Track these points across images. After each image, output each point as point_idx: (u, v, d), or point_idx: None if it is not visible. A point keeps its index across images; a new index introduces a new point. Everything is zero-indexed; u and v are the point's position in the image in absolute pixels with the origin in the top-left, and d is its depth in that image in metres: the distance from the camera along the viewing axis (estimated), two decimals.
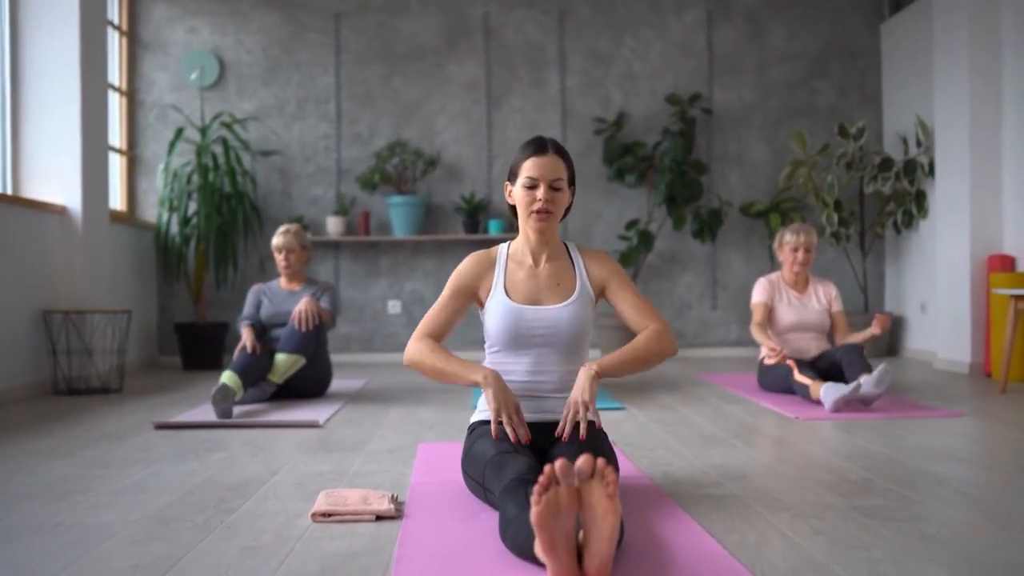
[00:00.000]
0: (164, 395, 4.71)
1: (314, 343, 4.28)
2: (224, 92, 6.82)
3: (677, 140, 6.60)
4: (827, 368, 4.38)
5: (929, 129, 6.31)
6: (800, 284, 4.61)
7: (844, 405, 3.83)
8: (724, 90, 7.05)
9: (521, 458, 2.07)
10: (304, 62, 6.87)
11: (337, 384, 5.05)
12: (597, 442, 2.24)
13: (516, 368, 2.33)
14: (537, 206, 2.30)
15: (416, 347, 2.35)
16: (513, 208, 2.40)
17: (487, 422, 2.34)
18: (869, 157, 6.68)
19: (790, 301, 4.56)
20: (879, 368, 3.83)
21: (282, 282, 4.62)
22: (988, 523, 2.07)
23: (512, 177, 2.37)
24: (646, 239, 6.63)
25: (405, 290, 6.91)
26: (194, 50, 6.79)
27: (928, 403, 4.13)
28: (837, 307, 4.59)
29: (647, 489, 2.44)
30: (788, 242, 4.55)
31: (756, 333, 4.47)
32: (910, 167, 6.40)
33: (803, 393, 4.12)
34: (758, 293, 4.59)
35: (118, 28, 6.59)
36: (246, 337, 4.28)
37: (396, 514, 2.16)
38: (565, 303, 2.33)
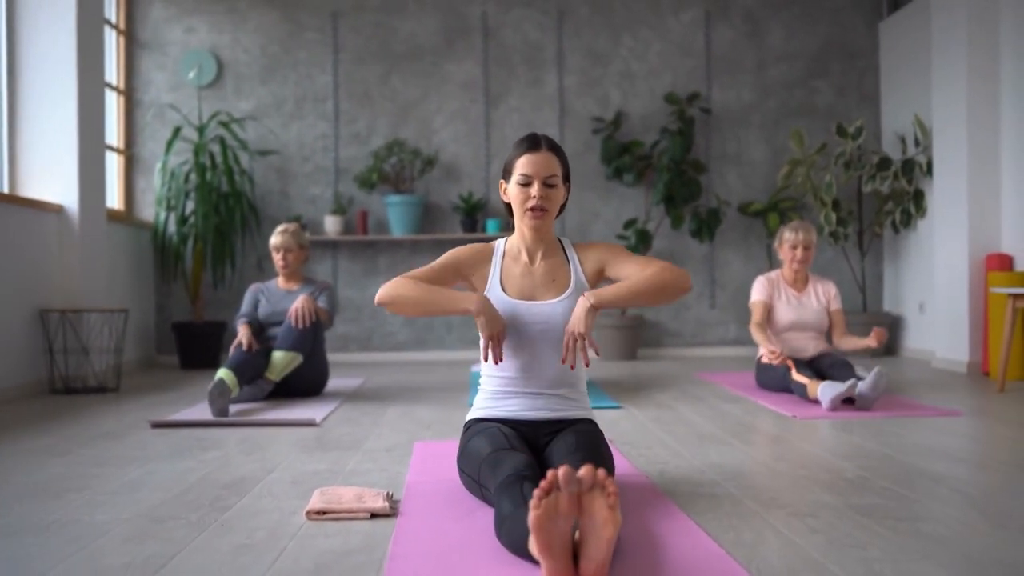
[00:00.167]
0: (161, 394, 4.70)
1: (311, 340, 4.27)
2: (222, 91, 6.81)
3: (675, 139, 6.59)
4: (825, 368, 4.38)
5: (927, 128, 6.30)
6: (799, 282, 4.60)
7: (841, 404, 3.83)
8: (723, 90, 7.04)
9: (517, 455, 2.06)
10: (302, 61, 6.87)
11: (334, 383, 5.05)
12: (594, 441, 2.23)
13: (513, 364, 2.32)
14: (531, 204, 2.30)
15: (396, 282, 2.29)
16: (508, 206, 2.39)
17: (483, 419, 2.34)
18: (867, 156, 6.68)
19: (788, 300, 4.56)
20: (874, 371, 3.83)
21: (280, 281, 4.61)
22: (985, 522, 2.07)
23: (507, 174, 2.36)
24: (644, 238, 6.62)
25: None
26: (192, 49, 6.78)
27: (926, 402, 4.12)
28: (836, 306, 4.59)
29: (643, 487, 2.43)
30: (787, 240, 4.55)
31: (756, 333, 4.47)
32: (908, 166, 6.40)
33: (801, 392, 4.11)
34: (757, 291, 4.58)
35: (115, 27, 6.58)
36: (242, 334, 4.27)
37: (391, 512, 2.15)
38: (560, 298, 2.32)
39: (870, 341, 4.19)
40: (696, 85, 7.01)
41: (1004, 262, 5.36)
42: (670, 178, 6.56)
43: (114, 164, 6.57)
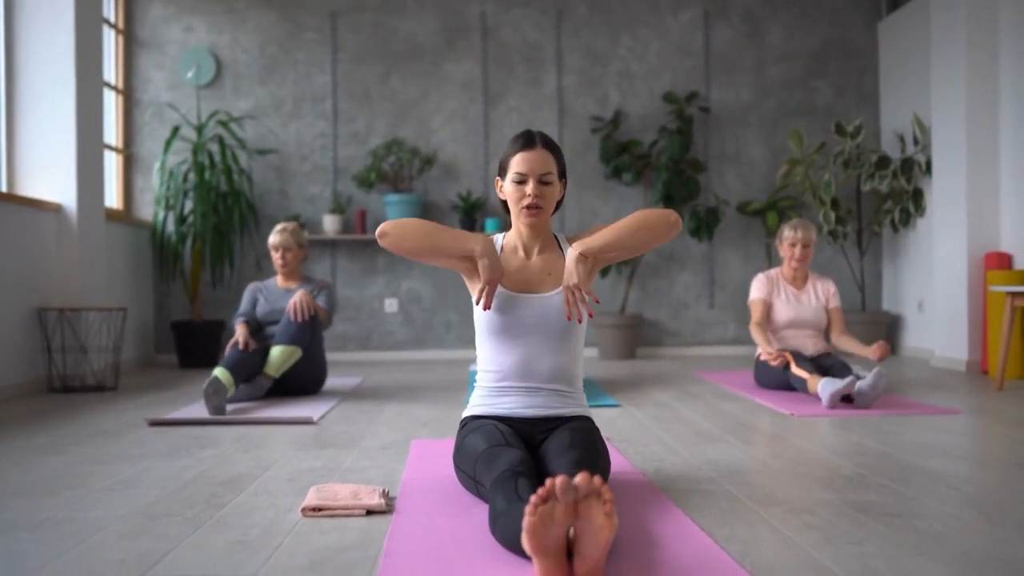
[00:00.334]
0: (159, 393, 4.70)
1: (309, 334, 4.25)
2: (220, 90, 6.81)
3: (674, 138, 6.59)
4: (824, 368, 4.37)
5: (926, 127, 6.30)
6: (798, 280, 4.60)
7: (840, 402, 3.82)
8: (721, 89, 7.04)
9: (512, 451, 2.06)
10: (301, 61, 6.87)
11: (333, 382, 5.04)
12: (590, 438, 2.23)
13: (508, 359, 2.31)
14: (527, 202, 2.29)
15: (398, 224, 2.26)
16: (504, 203, 2.39)
17: (479, 416, 2.34)
18: (866, 155, 6.68)
19: (788, 297, 4.56)
20: (874, 371, 3.82)
21: (278, 280, 4.61)
22: (982, 519, 2.06)
23: (502, 172, 2.36)
24: None
25: (402, 288, 6.90)
26: (190, 48, 6.78)
27: (924, 401, 4.12)
28: (834, 304, 4.58)
29: (639, 484, 2.43)
30: (787, 237, 4.56)
31: (755, 333, 4.47)
32: (907, 165, 6.39)
33: (800, 386, 4.11)
34: (756, 289, 4.58)
35: (114, 26, 6.58)
36: (239, 333, 4.26)
37: (386, 509, 2.15)
38: (556, 291, 2.32)
39: (871, 353, 4.16)
40: (695, 84, 7.01)
41: (1003, 260, 5.36)
42: (669, 177, 6.56)
43: (113, 163, 6.56)
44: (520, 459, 2.01)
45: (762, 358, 4.48)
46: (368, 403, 4.24)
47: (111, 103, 6.54)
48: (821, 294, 4.58)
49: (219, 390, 3.71)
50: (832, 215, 6.52)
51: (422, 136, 6.88)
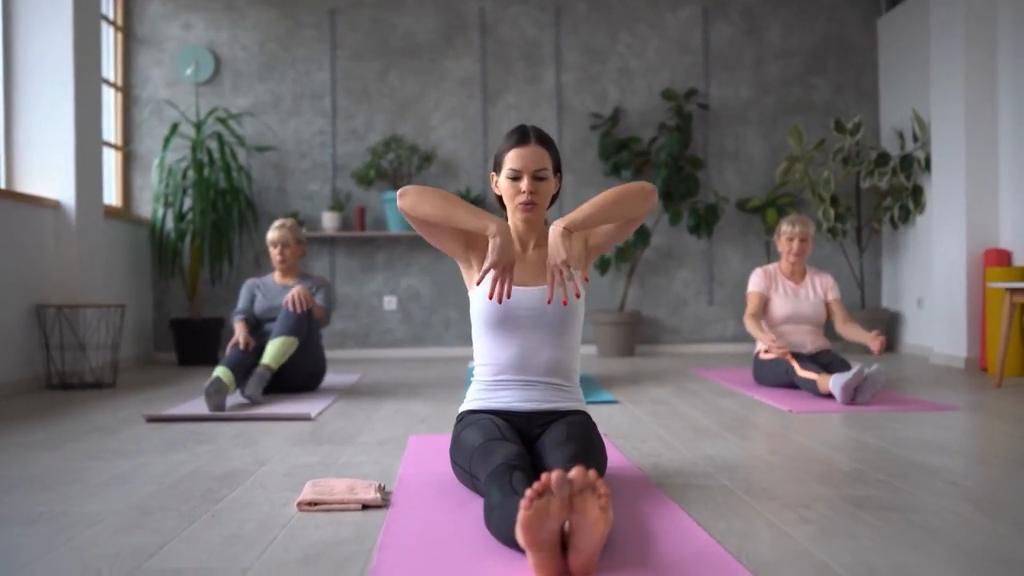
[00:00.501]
0: (157, 390, 4.70)
1: (307, 326, 4.23)
2: (219, 88, 6.80)
3: (673, 135, 6.59)
4: (824, 365, 4.37)
5: (925, 124, 6.30)
6: (796, 275, 4.60)
7: (855, 393, 3.81)
8: (721, 86, 7.04)
9: (508, 445, 2.06)
10: (300, 58, 6.86)
11: (331, 379, 5.04)
12: (586, 432, 2.23)
13: (505, 353, 2.31)
14: (521, 198, 2.29)
15: (420, 187, 2.25)
16: (500, 198, 2.39)
17: (476, 411, 2.33)
18: (865, 152, 6.67)
19: (786, 292, 4.55)
20: (873, 367, 3.82)
21: (276, 277, 4.60)
22: (977, 513, 2.06)
23: (497, 168, 2.36)
24: (642, 235, 6.62)
25: (401, 286, 6.90)
26: (189, 45, 6.78)
27: (922, 397, 4.12)
28: (833, 295, 4.57)
29: (635, 479, 2.43)
30: (785, 232, 4.56)
31: (750, 324, 4.46)
32: (906, 162, 6.39)
33: (811, 388, 4.07)
34: (754, 283, 4.58)
35: (113, 23, 6.58)
36: (239, 333, 4.26)
37: (382, 503, 2.15)
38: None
39: (871, 342, 4.15)
40: (694, 81, 7.00)
41: (1002, 257, 5.35)
42: (668, 174, 6.55)
43: (112, 160, 6.56)
44: (516, 453, 2.01)
45: (763, 350, 4.48)
46: (366, 400, 4.23)
47: (110, 100, 6.54)
48: (819, 288, 4.58)
49: (220, 389, 3.72)
50: (831, 212, 6.52)
51: (421, 133, 6.88)
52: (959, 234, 5.60)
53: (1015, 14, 5.37)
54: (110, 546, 1.84)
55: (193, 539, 1.89)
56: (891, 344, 6.90)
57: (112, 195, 6.56)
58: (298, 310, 4.22)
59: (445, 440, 2.91)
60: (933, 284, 5.99)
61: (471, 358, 6.37)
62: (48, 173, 5.01)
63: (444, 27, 6.93)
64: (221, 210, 6.35)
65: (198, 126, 6.39)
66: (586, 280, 2.22)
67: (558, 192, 2.39)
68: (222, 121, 6.44)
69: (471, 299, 2.37)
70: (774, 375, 4.40)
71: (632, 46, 7.00)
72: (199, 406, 3.89)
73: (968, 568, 1.66)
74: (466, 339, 6.79)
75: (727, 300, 7.02)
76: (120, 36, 6.68)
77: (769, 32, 7.06)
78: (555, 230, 2.17)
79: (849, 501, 2.17)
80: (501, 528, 1.73)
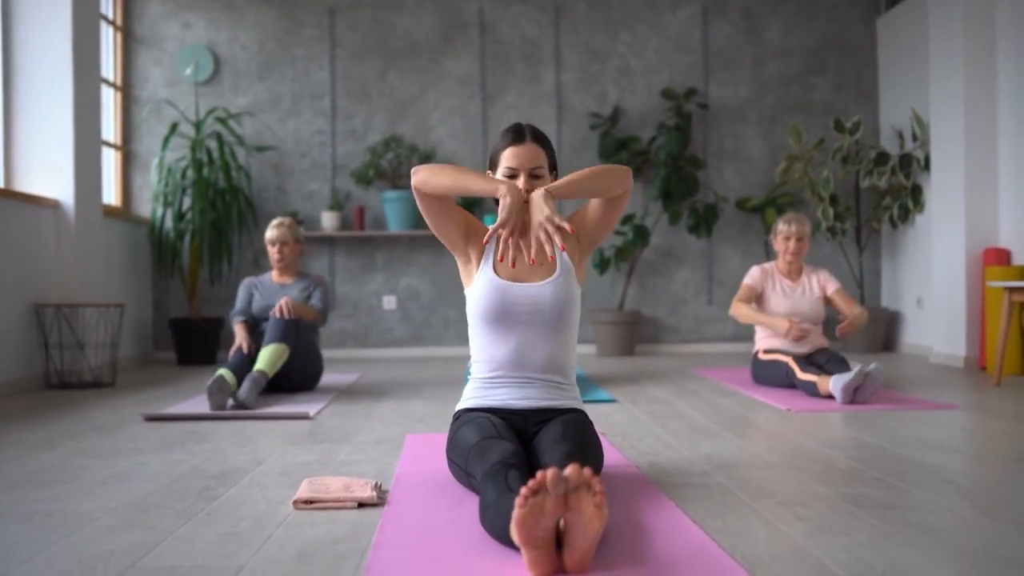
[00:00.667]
0: (156, 389, 4.70)
1: (295, 333, 4.20)
2: (219, 87, 6.81)
3: (673, 135, 6.59)
4: (822, 364, 4.37)
5: (925, 123, 6.29)
6: (793, 273, 4.60)
7: (855, 393, 3.80)
8: (720, 85, 7.03)
9: (504, 443, 2.06)
10: (299, 57, 6.87)
11: (329, 378, 5.04)
12: (582, 430, 2.23)
13: (501, 350, 2.31)
14: None
15: (428, 165, 2.26)
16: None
17: (473, 409, 2.33)
18: (865, 152, 6.67)
19: (783, 290, 4.55)
20: (871, 366, 3.82)
21: (274, 275, 4.60)
22: (974, 511, 2.06)
23: (492, 166, 2.36)
24: (642, 234, 6.62)
25: (400, 285, 6.90)
26: (189, 45, 6.78)
27: (921, 396, 4.11)
28: (833, 287, 4.55)
29: (632, 477, 2.43)
30: (781, 231, 4.56)
31: (738, 308, 4.46)
32: (906, 161, 6.39)
33: (810, 390, 4.05)
34: (749, 277, 4.58)
35: (112, 23, 6.58)
36: (241, 337, 4.26)
37: (378, 502, 2.15)
38: (547, 281, 2.32)
39: (848, 321, 4.26)
40: (693, 81, 7.00)
41: (1002, 256, 5.35)
42: (667, 174, 6.55)
43: (111, 160, 6.57)
44: (512, 451, 2.01)
45: (762, 350, 4.49)
46: (364, 399, 4.24)
47: (109, 100, 6.54)
48: (816, 286, 4.57)
49: (223, 388, 3.71)
50: (831, 211, 6.51)
51: (420, 133, 6.88)
52: (958, 233, 5.60)
53: (1014, 13, 5.37)
54: (105, 544, 1.84)
55: (188, 537, 1.89)
56: (891, 343, 6.90)
57: (111, 195, 6.56)
58: (285, 316, 4.20)
59: (443, 439, 2.91)
60: (932, 283, 5.98)
61: (470, 357, 6.36)
62: (47, 173, 5.01)
63: (443, 27, 6.93)
64: (220, 210, 6.36)
65: (197, 126, 6.39)
66: (572, 232, 2.15)
67: None
68: (221, 121, 6.45)
69: (467, 296, 2.37)
70: (773, 376, 4.40)
71: (632, 46, 7.00)
72: (197, 405, 3.89)
73: (965, 566, 1.66)
74: (465, 338, 6.78)
75: (727, 300, 7.02)
76: (119, 36, 6.68)
77: (768, 32, 7.06)
78: (536, 194, 2.16)
79: (846, 499, 2.17)
80: (496, 526, 1.73)
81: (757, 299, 4.57)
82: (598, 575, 1.60)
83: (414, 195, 2.29)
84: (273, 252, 4.51)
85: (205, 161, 6.34)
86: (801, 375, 4.14)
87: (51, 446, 2.99)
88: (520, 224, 2.14)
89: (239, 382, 3.95)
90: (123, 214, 6.37)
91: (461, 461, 2.17)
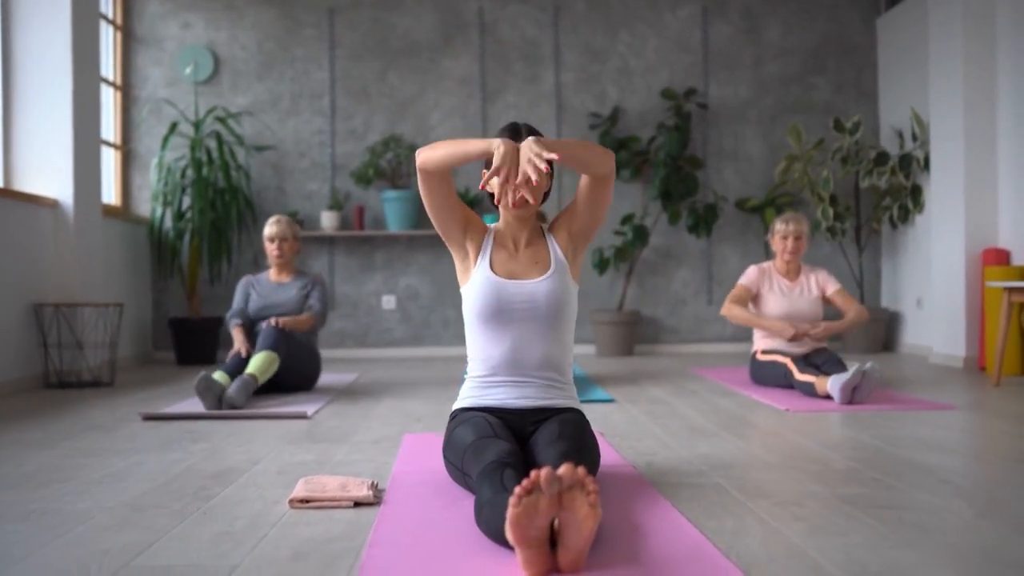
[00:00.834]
0: (155, 389, 4.70)
1: (284, 341, 4.16)
2: (218, 87, 6.81)
3: (672, 135, 6.58)
4: (820, 365, 4.36)
5: (924, 123, 6.29)
6: (791, 273, 4.60)
7: (853, 392, 3.80)
8: (720, 85, 7.03)
9: (500, 443, 2.06)
10: (298, 57, 6.86)
11: (328, 378, 5.04)
12: (579, 430, 2.22)
13: (498, 349, 2.31)
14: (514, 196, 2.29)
15: (428, 145, 2.29)
16: (491, 195, 2.39)
17: (469, 409, 2.33)
18: (865, 152, 6.66)
19: (781, 290, 4.55)
20: (868, 365, 3.81)
21: (272, 274, 4.58)
22: (970, 511, 2.05)
23: (489, 165, 2.35)
24: (641, 234, 6.61)
25: (400, 285, 6.89)
26: (188, 45, 6.78)
27: (920, 396, 4.11)
28: (833, 287, 4.54)
29: (628, 477, 2.42)
30: (779, 231, 4.55)
31: (732, 310, 4.46)
32: (905, 161, 6.38)
33: (809, 391, 4.04)
34: (745, 277, 4.58)
35: (112, 22, 6.58)
36: (239, 342, 4.25)
37: (375, 501, 2.15)
38: (542, 278, 2.32)
39: (823, 327, 4.35)
40: (693, 81, 7.00)
41: (1001, 256, 5.35)
42: (667, 174, 6.55)
43: (111, 159, 6.57)
44: (508, 451, 2.01)
45: (760, 350, 4.48)
46: (363, 399, 4.23)
47: (109, 99, 6.54)
48: (815, 286, 4.57)
49: (211, 386, 3.68)
50: (830, 211, 6.51)
51: (420, 132, 6.88)
52: (958, 233, 5.59)
53: (1014, 13, 5.36)
54: (100, 543, 1.84)
55: (183, 536, 1.89)
56: (890, 344, 6.89)
57: (111, 194, 6.56)
58: (274, 325, 4.18)
59: (440, 439, 2.90)
60: (932, 284, 5.98)
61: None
62: (46, 172, 5.01)
63: (443, 26, 6.93)
64: (220, 209, 6.35)
65: (197, 125, 6.39)
66: (558, 158, 2.17)
67: (550, 189, 2.39)
68: (221, 120, 6.45)
69: (463, 294, 2.37)
70: (771, 376, 4.39)
71: (631, 45, 7.00)
72: (196, 405, 3.89)
73: (961, 567, 1.66)
74: (464, 338, 6.78)
75: (726, 299, 7.00)
76: (119, 35, 6.68)
77: (768, 31, 7.06)
78: (526, 140, 2.17)
79: (842, 499, 2.16)
80: (491, 525, 1.72)
81: (753, 300, 4.57)
82: (592, 574, 1.60)
83: (418, 178, 2.30)
84: (272, 249, 4.49)
85: (204, 161, 6.34)
86: (799, 375, 4.14)
87: (49, 445, 2.99)
88: (515, 170, 2.17)
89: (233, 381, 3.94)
90: (122, 214, 6.37)
91: (457, 460, 2.17)
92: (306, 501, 2.12)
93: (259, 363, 4.01)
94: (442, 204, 2.32)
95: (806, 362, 4.39)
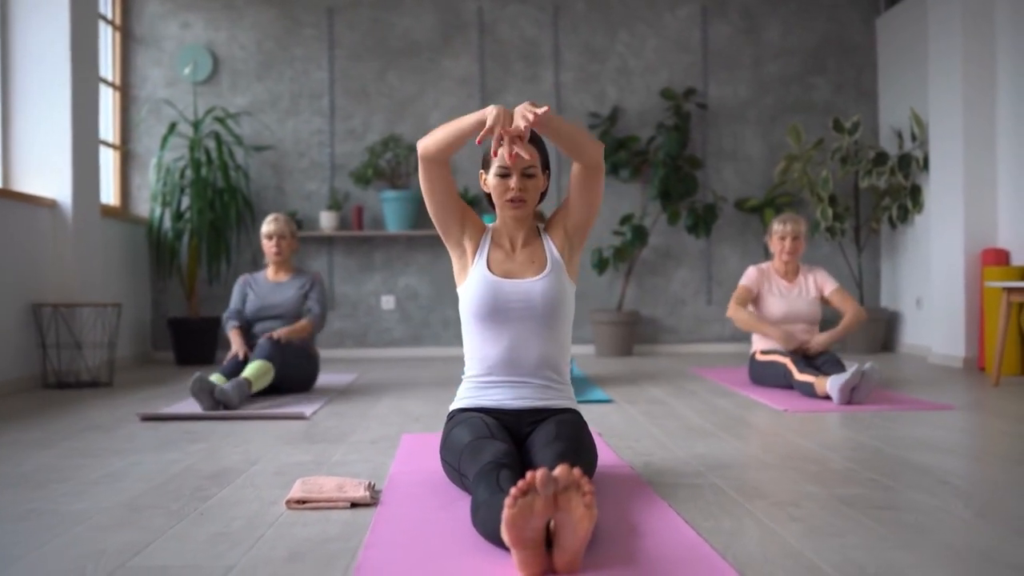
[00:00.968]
0: (154, 389, 4.70)
1: (279, 352, 4.14)
2: (217, 87, 6.81)
3: (671, 135, 6.58)
4: (818, 365, 4.36)
5: (924, 123, 6.29)
6: (790, 274, 4.60)
7: (852, 393, 3.79)
8: (719, 85, 7.03)
9: (497, 443, 2.06)
10: (298, 57, 6.86)
11: (327, 378, 5.04)
12: (575, 431, 2.22)
13: (494, 349, 2.31)
14: (510, 195, 2.29)
15: (428, 134, 2.31)
16: (488, 195, 2.39)
17: (466, 409, 2.33)
18: (864, 152, 6.66)
19: (780, 291, 4.54)
20: (867, 365, 3.81)
21: (269, 272, 4.56)
22: (967, 512, 2.05)
23: (485, 165, 2.36)
24: (640, 234, 6.61)
25: (399, 285, 6.89)
26: (187, 45, 6.78)
27: (919, 396, 4.11)
28: (830, 287, 4.54)
29: (625, 477, 2.42)
30: (776, 231, 4.56)
31: (737, 313, 4.46)
32: (905, 161, 6.38)
33: (808, 391, 4.04)
34: (746, 278, 4.58)
35: (111, 22, 6.58)
36: (237, 345, 4.24)
37: (371, 502, 2.15)
38: (539, 277, 2.32)
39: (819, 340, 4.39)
40: (692, 81, 6.99)
41: (1000, 257, 5.34)
42: (666, 173, 6.55)
43: (110, 160, 6.56)
44: (504, 451, 2.01)
45: (759, 351, 4.48)
46: (361, 399, 4.23)
47: (108, 99, 6.54)
48: (813, 287, 4.57)
49: (204, 387, 3.66)
50: (830, 212, 6.51)
51: (419, 132, 6.87)
52: (957, 233, 5.59)
53: (1013, 13, 5.36)
54: (97, 543, 1.83)
55: (180, 537, 1.88)
56: (890, 344, 6.89)
57: (110, 194, 6.56)
58: (272, 337, 4.17)
59: (438, 439, 2.89)
60: (931, 284, 5.98)
61: None
62: (45, 172, 5.01)
63: (442, 26, 6.92)
64: (219, 209, 6.35)
65: (196, 125, 6.39)
66: (547, 108, 2.19)
67: (546, 189, 2.39)
68: (220, 120, 6.45)
69: (460, 294, 2.37)
70: (770, 376, 4.39)
71: (631, 45, 7.00)
72: (194, 405, 3.88)
73: (958, 568, 1.66)
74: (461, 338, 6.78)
75: (725, 300, 7.00)
76: (118, 35, 6.68)
77: (768, 31, 7.06)
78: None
79: (839, 500, 2.16)
80: (487, 526, 1.72)
81: (753, 300, 4.57)
82: (588, 575, 1.60)
83: (420, 169, 2.31)
84: (270, 246, 4.47)
85: (204, 161, 6.33)
86: (798, 376, 4.14)
87: (48, 446, 2.99)
88: (510, 120, 2.18)
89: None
90: (121, 214, 6.37)
91: (454, 461, 2.17)
92: (303, 502, 2.12)
93: (254, 370, 3.98)
94: (443, 199, 2.32)
95: (805, 362, 4.39)
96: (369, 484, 2.24)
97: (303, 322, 4.37)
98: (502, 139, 2.19)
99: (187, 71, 6.71)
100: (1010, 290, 4.53)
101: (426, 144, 2.27)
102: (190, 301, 6.46)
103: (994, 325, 5.04)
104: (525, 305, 2.28)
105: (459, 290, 2.38)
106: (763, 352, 4.49)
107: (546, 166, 2.36)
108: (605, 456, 2.68)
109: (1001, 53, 5.48)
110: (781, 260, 4.57)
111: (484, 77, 6.91)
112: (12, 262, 4.64)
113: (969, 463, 2.66)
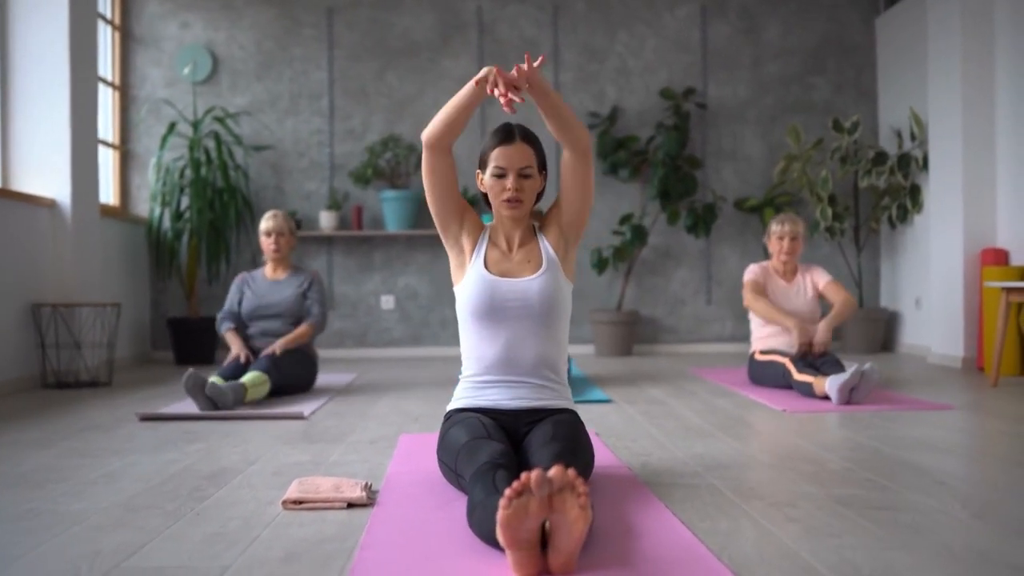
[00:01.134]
0: (153, 388, 4.70)
1: (275, 366, 4.11)
2: (217, 87, 6.81)
3: (671, 134, 6.58)
4: (818, 366, 4.35)
5: (923, 123, 6.28)
6: (788, 274, 4.60)
7: (850, 393, 3.79)
8: (719, 85, 7.02)
9: (494, 444, 2.05)
10: (297, 57, 6.86)
11: (326, 379, 5.04)
12: (572, 431, 2.22)
13: (491, 349, 2.31)
14: (507, 195, 2.29)
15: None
16: (485, 195, 2.39)
17: (463, 410, 2.33)
18: (864, 151, 6.66)
19: (779, 291, 4.55)
20: (866, 366, 3.81)
21: (267, 271, 4.53)
22: (964, 512, 2.05)
23: (482, 165, 2.36)
24: (640, 234, 6.61)
25: (399, 285, 6.89)
26: (187, 45, 6.78)
27: (918, 396, 4.11)
28: (824, 280, 4.55)
29: (622, 477, 2.42)
30: (774, 232, 4.56)
31: (754, 303, 4.46)
32: (904, 161, 6.38)
33: (807, 391, 4.04)
34: (749, 272, 4.58)
35: (111, 22, 6.58)
36: (236, 348, 4.22)
37: (368, 502, 2.15)
38: (535, 275, 2.32)
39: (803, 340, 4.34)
40: (692, 81, 6.99)
41: (999, 256, 5.34)
42: (665, 173, 6.55)
43: (109, 159, 6.57)
44: (501, 452, 2.00)
45: (758, 351, 4.48)
46: (360, 399, 4.23)
47: (107, 99, 6.54)
48: (810, 285, 4.57)
49: (197, 381, 3.64)
50: (829, 211, 6.50)
51: (419, 132, 6.87)
52: (956, 233, 5.59)
53: (1012, 12, 5.36)
54: (93, 544, 1.83)
55: (176, 537, 1.88)
56: (889, 344, 6.89)
57: (109, 194, 6.56)
58: (273, 353, 4.17)
59: (436, 439, 2.90)
60: (931, 284, 5.97)
61: None
62: (44, 172, 5.01)
63: (442, 26, 6.92)
64: (218, 209, 6.35)
65: (195, 125, 6.39)
66: (543, 58, 2.22)
67: (543, 189, 2.39)
68: (219, 120, 6.45)
69: (457, 293, 2.37)
70: (769, 376, 4.39)
71: (630, 45, 7.00)
72: (193, 405, 3.88)
73: (955, 569, 1.66)
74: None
75: (725, 299, 7.01)
76: (118, 35, 6.68)
77: (767, 31, 7.05)
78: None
79: (836, 500, 2.16)
80: (482, 527, 1.72)
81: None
82: None
83: (423, 158, 2.32)
84: (269, 243, 4.44)
85: (203, 161, 6.33)
86: (798, 376, 4.13)
87: (46, 445, 2.99)
88: (501, 71, 2.18)
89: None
90: (121, 214, 6.37)
91: (451, 461, 2.17)
92: (299, 502, 2.12)
93: (252, 379, 3.94)
94: (444, 193, 2.33)
95: (804, 362, 4.38)
96: (366, 484, 2.24)
97: (303, 327, 4.34)
98: (495, 84, 2.17)
99: (186, 71, 6.71)
100: (1009, 290, 4.53)
101: (428, 130, 2.28)
102: (189, 301, 6.46)
103: (993, 325, 5.04)
104: (522, 304, 2.28)
105: (456, 289, 2.38)
106: (762, 352, 4.49)
107: (543, 166, 2.36)
108: (603, 456, 2.68)
109: (1000, 53, 5.48)
110: (779, 260, 4.57)
111: None
112: (11, 262, 4.64)
113: (967, 464, 2.66)
